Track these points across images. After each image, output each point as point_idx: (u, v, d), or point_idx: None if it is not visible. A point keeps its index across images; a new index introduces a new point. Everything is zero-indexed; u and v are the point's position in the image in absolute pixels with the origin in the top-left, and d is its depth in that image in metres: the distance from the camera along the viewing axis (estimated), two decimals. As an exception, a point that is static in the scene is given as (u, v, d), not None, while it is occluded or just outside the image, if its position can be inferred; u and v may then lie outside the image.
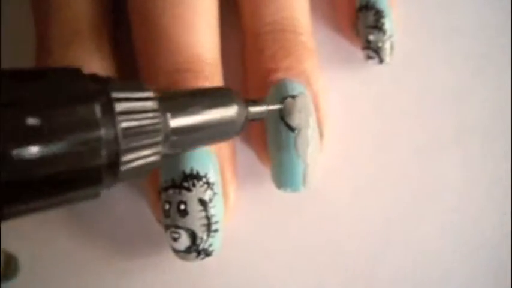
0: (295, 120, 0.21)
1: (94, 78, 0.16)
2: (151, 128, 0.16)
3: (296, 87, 0.21)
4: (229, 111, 0.19)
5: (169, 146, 0.17)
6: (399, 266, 0.23)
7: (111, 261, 0.22)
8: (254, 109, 0.20)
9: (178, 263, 0.21)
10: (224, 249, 0.22)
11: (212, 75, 0.21)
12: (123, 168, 0.15)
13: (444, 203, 0.24)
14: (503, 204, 0.24)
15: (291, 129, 0.21)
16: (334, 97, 0.24)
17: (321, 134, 0.22)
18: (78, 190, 0.15)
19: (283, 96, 0.21)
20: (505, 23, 0.26)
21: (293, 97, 0.21)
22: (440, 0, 0.26)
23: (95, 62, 0.21)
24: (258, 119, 0.20)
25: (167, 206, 0.20)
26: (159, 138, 0.16)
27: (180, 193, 0.20)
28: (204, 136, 0.18)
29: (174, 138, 0.17)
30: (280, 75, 0.22)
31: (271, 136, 0.21)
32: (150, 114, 0.16)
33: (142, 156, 0.16)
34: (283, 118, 0.21)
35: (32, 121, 0.14)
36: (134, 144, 0.15)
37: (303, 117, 0.21)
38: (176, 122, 0.17)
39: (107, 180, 0.15)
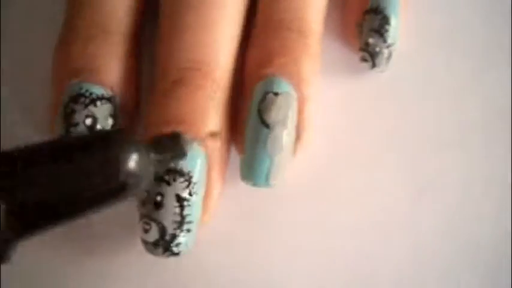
0: (272, 118, 0.21)
1: None
2: None
3: (282, 85, 0.21)
4: (111, 177, 0.15)
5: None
6: (398, 265, 0.23)
7: (106, 260, 0.23)
8: (155, 156, 0.16)
9: (170, 261, 0.21)
10: (220, 249, 0.22)
11: (221, 79, 0.22)
12: None
13: (444, 202, 0.24)
14: (503, 203, 0.24)
15: (266, 125, 0.21)
16: (335, 96, 0.24)
17: (298, 137, 0.22)
18: None
19: (267, 91, 0.21)
20: (505, 22, 0.25)
21: (276, 94, 0.21)
22: (440, 0, 0.25)
23: (112, 63, 0.22)
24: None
25: (145, 195, 0.20)
26: None
27: (159, 185, 0.20)
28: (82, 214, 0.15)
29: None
30: (272, 70, 0.21)
31: (248, 128, 0.21)
32: None
33: None
34: (260, 112, 0.21)
35: None
36: None
37: (280, 116, 0.21)
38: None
39: None
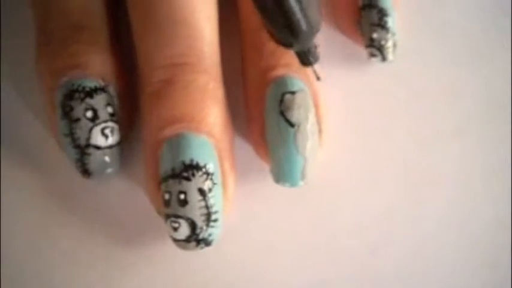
0: (295, 116, 0.21)
1: None
2: None
3: (296, 83, 0.22)
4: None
5: None
6: (400, 259, 0.23)
7: (113, 256, 0.23)
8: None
9: (179, 256, 0.21)
10: (225, 243, 0.22)
11: (210, 68, 0.22)
12: None
13: (443, 195, 0.24)
14: (502, 195, 0.24)
15: (291, 124, 0.21)
16: (335, 92, 0.24)
17: (320, 130, 0.22)
18: None
19: (283, 92, 0.21)
20: (503, 16, 0.26)
21: (293, 93, 0.21)
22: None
23: (95, 56, 0.22)
24: None
25: (167, 196, 0.20)
26: None
27: (180, 183, 0.20)
28: None
29: None
30: (280, 71, 0.22)
31: (271, 131, 0.21)
32: None
33: None
34: (282, 113, 0.21)
35: None
36: None
37: (302, 112, 0.21)
38: None
39: None
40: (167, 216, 0.20)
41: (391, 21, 0.23)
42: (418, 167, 0.24)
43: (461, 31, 0.26)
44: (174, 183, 0.20)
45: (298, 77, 0.22)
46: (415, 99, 0.25)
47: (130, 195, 0.23)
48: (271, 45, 0.22)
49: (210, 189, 0.20)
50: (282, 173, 0.21)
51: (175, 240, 0.21)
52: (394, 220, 0.23)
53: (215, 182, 0.21)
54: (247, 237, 0.23)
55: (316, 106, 0.22)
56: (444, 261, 0.23)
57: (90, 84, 0.22)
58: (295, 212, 0.23)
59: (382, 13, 0.23)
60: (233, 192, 0.22)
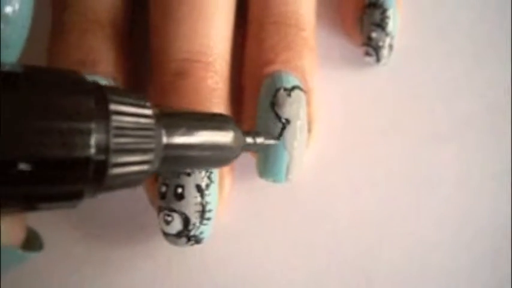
0: (286, 113, 0.21)
1: (94, 88, 0.15)
2: (143, 146, 0.16)
3: (291, 80, 0.21)
4: (225, 137, 0.19)
5: (161, 163, 0.17)
6: (397, 259, 0.23)
7: (109, 253, 0.23)
8: (251, 140, 0.20)
9: (175, 254, 0.22)
10: (222, 242, 0.22)
11: (221, 69, 0.22)
12: (107, 182, 0.15)
13: (441, 195, 0.24)
14: (499, 196, 0.24)
15: (281, 120, 0.21)
16: (333, 92, 0.24)
17: (309, 130, 0.22)
18: (59, 202, 0.15)
19: (278, 87, 0.21)
20: (501, 17, 0.26)
21: (286, 89, 0.21)
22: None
23: (109, 55, 0.22)
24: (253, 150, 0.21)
25: (164, 188, 0.20)
26: (149, 157, 0.16)
27: (178, 176, 0.20)
28: (198, 158, 0.18)
29: (166, 156, 0.17)
30: (277, 67, 0.22)
31: (261, 125, 0.21)
32: (145, 132, 0.16)
33: (130, 172, 0.16)
34: (274, 109, 0.21)
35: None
36: (124, 159, 0.15)
37: (294, 110, 0.21)
38: (170, 140, 0.17)
39: (88, 193, 0.15)
40: (161, 209, 0.20)
41: (392, 24, 0.23)
42: (417, 167, 0.24)
43: (461, 31, 0.26)
44: (172, 176, 0.20)
45: (294, 74, 0.22)
46: (414, 99, 0.25)
47: (126, 193, 0.23)
48: (273, 39, 0.22)
49: (207, 187, 0.20)
50: (267, 168, 0.21)
51: (166, 234, 0.21)
52: (391, 220, 0.23)
53: (213, 180, 0.21)
54: (243, 237, 0.23)
55: (308, 105, 0.22)
56: (442, 262, 0.23)
57: (102, 82, 0.21)
58: (291, 212, 0.23)
59: (385, 14, 0.23)
60: (228, 195, 0.22)
